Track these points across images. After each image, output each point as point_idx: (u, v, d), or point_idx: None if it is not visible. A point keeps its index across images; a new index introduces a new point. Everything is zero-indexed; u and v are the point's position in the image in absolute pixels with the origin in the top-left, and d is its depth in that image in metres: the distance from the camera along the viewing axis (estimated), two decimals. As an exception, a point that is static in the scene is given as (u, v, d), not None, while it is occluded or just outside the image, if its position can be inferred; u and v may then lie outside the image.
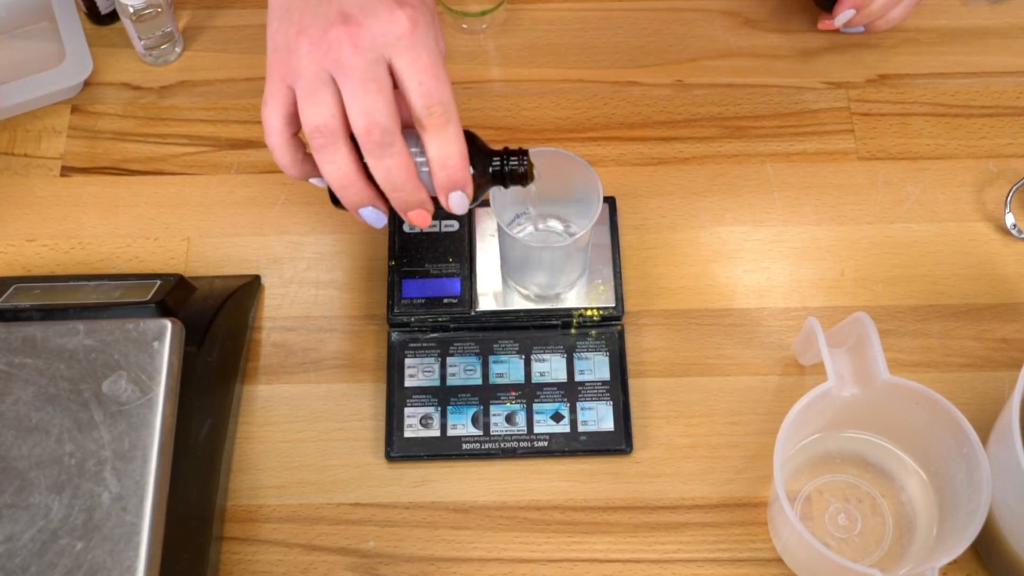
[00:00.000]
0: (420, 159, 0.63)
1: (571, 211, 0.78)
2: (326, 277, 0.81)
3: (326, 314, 0.80)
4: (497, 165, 0.66)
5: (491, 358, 0.77)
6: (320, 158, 0.61)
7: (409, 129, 0.62)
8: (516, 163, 0.66)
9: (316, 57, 0.59)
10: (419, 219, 0.64)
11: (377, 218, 0.64)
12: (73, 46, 0.87)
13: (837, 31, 0.88)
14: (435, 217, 0.80)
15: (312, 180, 0.65)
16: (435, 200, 0.64)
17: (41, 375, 0.63)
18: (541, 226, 0.78)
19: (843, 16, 0.84)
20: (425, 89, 0.59)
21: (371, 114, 0.59)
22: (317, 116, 0.60)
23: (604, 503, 0.74)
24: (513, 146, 0.66)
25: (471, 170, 0.63)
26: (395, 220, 0.80)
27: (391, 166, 0.60)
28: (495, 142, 0.86)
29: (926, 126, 0.86)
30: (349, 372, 0.78)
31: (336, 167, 0.61)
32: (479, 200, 0.66)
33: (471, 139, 0.64)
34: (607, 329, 0.78)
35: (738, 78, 0.88)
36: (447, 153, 0.61)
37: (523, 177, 0.66)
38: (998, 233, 0.82)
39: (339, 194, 0.63)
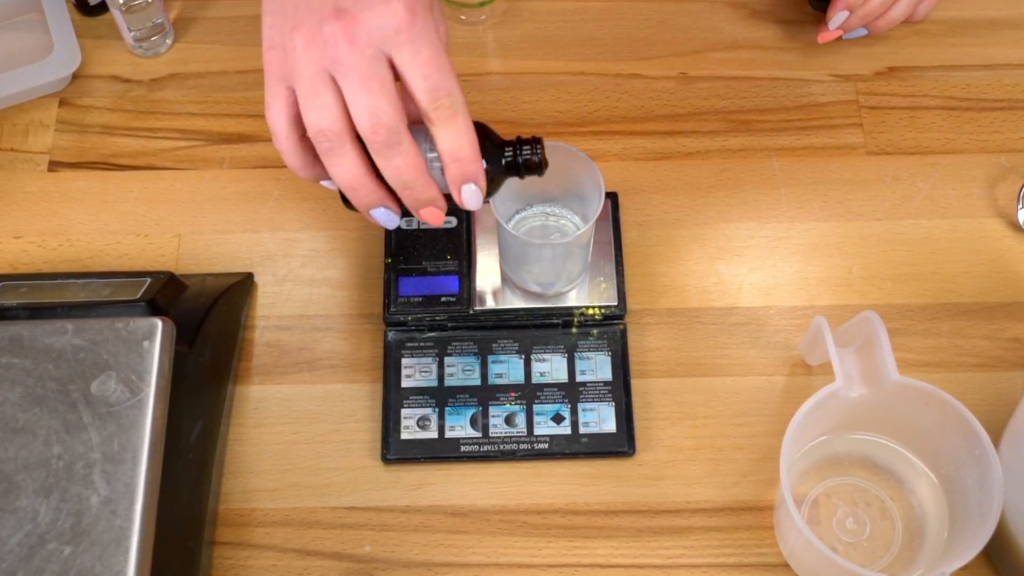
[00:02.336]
0: (431, 155, 0.62)
1: (572, 207, 0.78)
2: (321, 275, 0.81)
3: (321, 313, 0.80)
4: (510, 156, 0.65)
5: (490, 358, 0.77)
6: (328, 162, 0.61)
7: (416, 125, 0.62)
8: (530, 152, 0.65)
9: (313, 56, 0.59)
10: (432, 217, 0.63)
11: (389, 219, 0.64)
12: (61, 38, 0.87)
13: (840, 39, 0.88)
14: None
15: (323, 183, 0.65)
16: (448, 197, 0.64)
17: (28, 375, 0.63)
18: (542, 222, 0.78)
19: (836, 19, 0.83)
20: (431, 84, 0.59)
21: (375, 114, 0.59)
22: (320, 120, 0.59)
23: (606, 507, 0.74)
24: (526, 134, 0.66)
25: (484, 163, 0.63)
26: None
27: (400, 165, 0.60)
28: (502, 134, 0.86)
29: (936, 120, 0.86)
30: (344, 372, 0.78)
31: (344, 170, 0.61)
32: (494, 193, 0.66)
33: (482, 130, 0.64)
34: (609, 328, 0.78)
35: (743, 71, 0.88)
36: (458, 145, 0.60)
37: (538, 167, 0.65)
38: (1010, 229, 0.82)
39: (349, 196, 0.63)
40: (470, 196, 0.62)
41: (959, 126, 0.86)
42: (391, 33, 0.58)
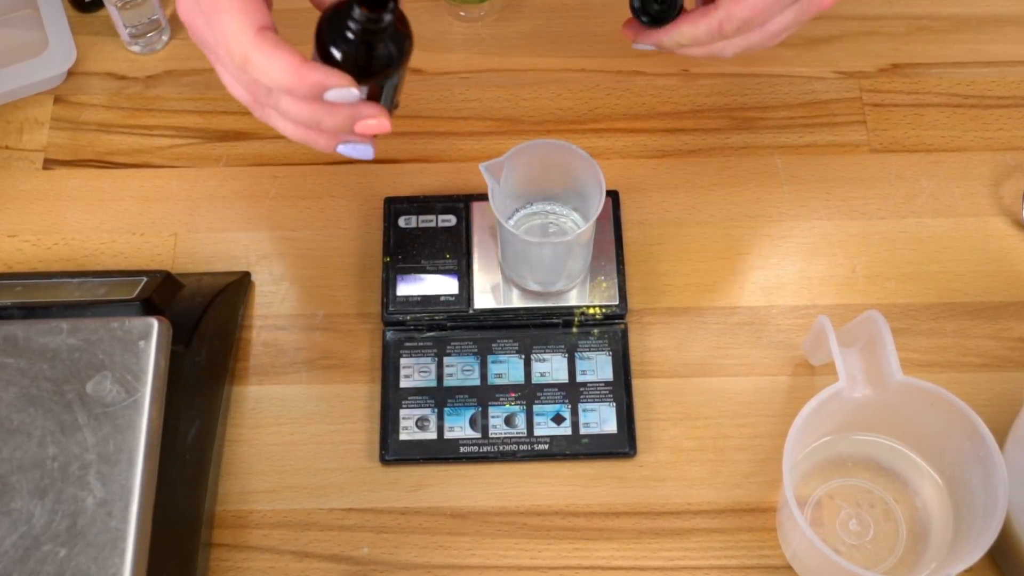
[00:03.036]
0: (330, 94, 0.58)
1: (573, 205, 0.78)
2: (318, 274, 0.81)
3: (318, 312, 0.80)
4: (354, 28, 0.57)
5: (490, 358, 0.77)
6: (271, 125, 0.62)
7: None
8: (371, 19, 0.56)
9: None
10: (371, 129, 0.60)
11: (357, 150, 0.63)
12: (56, 34, 0.87)
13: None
14: (432, 212, 0.80)
15: (341, 148, 0.64)
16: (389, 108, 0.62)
17: (23, 375, 0.63)
18: (542, 220, 0.78)
19: (674, 36, 0.68)
20: (226, 51, 0.59)
21: (232, 87, 0.61)
22: (233, 93, 0.62)
23: (607, 508, 0.74)
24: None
25: (336, 54, 0.58)
26: (389, 216, 0.80)
27: (291, 115, 0.60)
28: (493, 134, 0.86)
29: (941, 117, 0.86)
30: (342, 372, 0.78)
31: (282, 128, 0.62)
32: (391, 85, 0.60)
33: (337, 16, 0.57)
34: (610, 328, 0.78)
35: (746, 67, 0.88)
36: (275, 78, 0.57)
37: (386, 34, 0.57)
38: (1015, 228, 0.82)
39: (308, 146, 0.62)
40: (337, 96, 0.58)
41: (964, 124, 0.86)
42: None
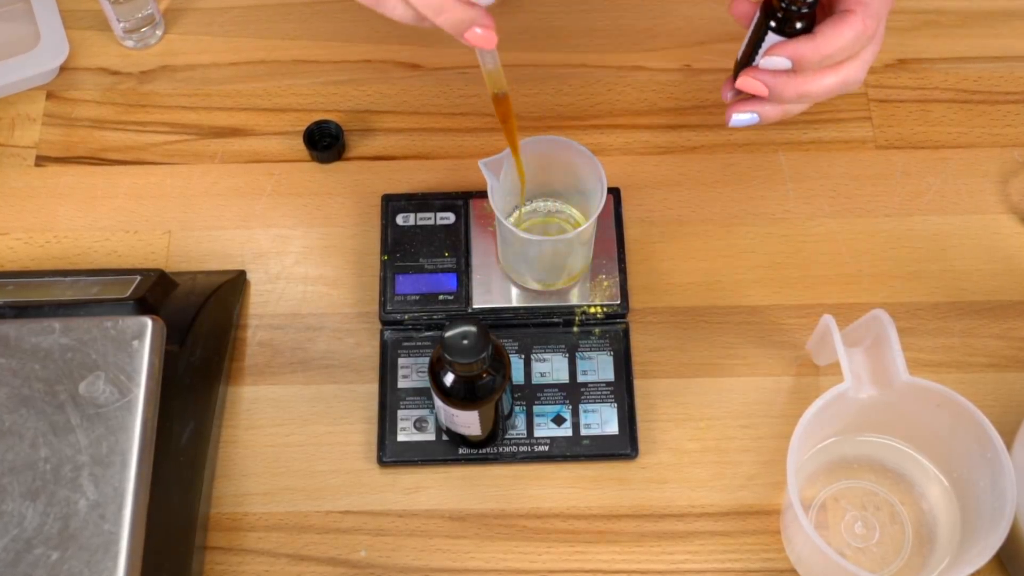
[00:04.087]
0: None
1: (574, 202, 0.77)
2: (315, 272, 0.81)
3: (315, 311, 0.80)
4: None
5: (489, 358, 0.77)
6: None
7: None
8: None
9: None
10: (476, 39, 0.61)
11: (483, 37, 0.61)
12: (48, 29, 0.87)
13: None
14: (430, 210, 0.80)
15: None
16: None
17: (14, 376, 0.63)
18: (542, 218, 0.78)
19: (773, 61, 0.64)
20: None
21: None
22: None
23: (608, 511, 0.74)
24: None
25: None
26: (386, 214, 0.80)
27: None
28: (492, 130, 0.86)
29: (947, 113, 0.86)
30: (339, 372, 0.78)
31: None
32: None
33: None
34: (611, 327, 0.78)
35: (749, 62, 0.88)
36: None
37: None
38: (1023, 226, 0.82)
39: (438, 21, 0.60)
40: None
41: (971, 119, 0.86)
42: None
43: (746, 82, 0.65)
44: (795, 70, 0.64)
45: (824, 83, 0.64)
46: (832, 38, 0.62)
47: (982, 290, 0.80)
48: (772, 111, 0.67)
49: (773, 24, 0.63)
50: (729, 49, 0.88)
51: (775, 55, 0.64)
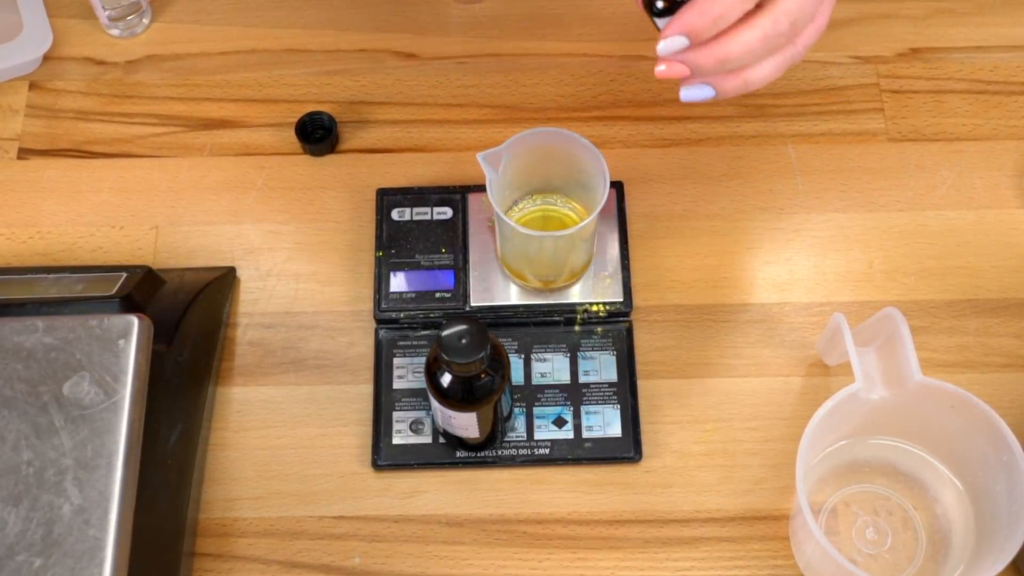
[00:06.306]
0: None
1: (575, 197, 0.77)
2: (307, 269, 0.81)
3: (307, 309, 0.80)
4: None
5: (488, 358, 0.77)
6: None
7: None
8: None
9: None
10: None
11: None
12: (31, 17, 0.87)
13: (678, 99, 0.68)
14: (427, 204, 0.80)
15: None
16: None
17: (-4, 376, 0.63)
18: (543, 213, 0.78)
19: (668, 44, 0.62)
20: None
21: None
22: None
23: (611, 516, 0.74)
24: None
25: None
26: (381, 209, 0.80)
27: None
28: (492, 122, 0.86)
29: (962, 104, 0.86)
30: (333, 373, 0.78)
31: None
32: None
33: None
34: (614, 326, 0.78)
35: (757, 52, 0.88)
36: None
37: None
38: (1041, 221, 0.82)
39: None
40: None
41: (986, 111, 0.86)
42: None
43: (664, 70, 0.64)
44: (694, 40, 0.61)
45: (741, 38, 0.61)
46: None
47: (998, 287, 0.80)
48: (725, 83, 0.64)
49: (651, 8, 0.63)
50: (736, 38, 0.88)
51: (667, 36, 0.62)
